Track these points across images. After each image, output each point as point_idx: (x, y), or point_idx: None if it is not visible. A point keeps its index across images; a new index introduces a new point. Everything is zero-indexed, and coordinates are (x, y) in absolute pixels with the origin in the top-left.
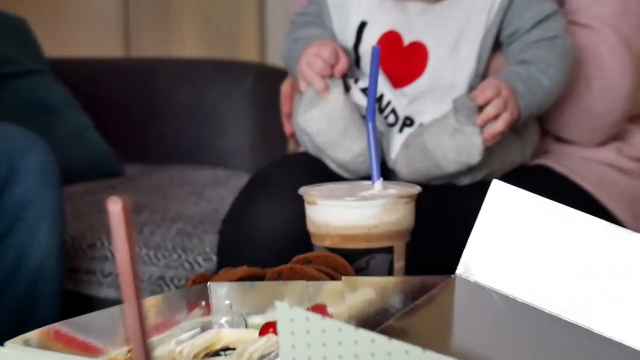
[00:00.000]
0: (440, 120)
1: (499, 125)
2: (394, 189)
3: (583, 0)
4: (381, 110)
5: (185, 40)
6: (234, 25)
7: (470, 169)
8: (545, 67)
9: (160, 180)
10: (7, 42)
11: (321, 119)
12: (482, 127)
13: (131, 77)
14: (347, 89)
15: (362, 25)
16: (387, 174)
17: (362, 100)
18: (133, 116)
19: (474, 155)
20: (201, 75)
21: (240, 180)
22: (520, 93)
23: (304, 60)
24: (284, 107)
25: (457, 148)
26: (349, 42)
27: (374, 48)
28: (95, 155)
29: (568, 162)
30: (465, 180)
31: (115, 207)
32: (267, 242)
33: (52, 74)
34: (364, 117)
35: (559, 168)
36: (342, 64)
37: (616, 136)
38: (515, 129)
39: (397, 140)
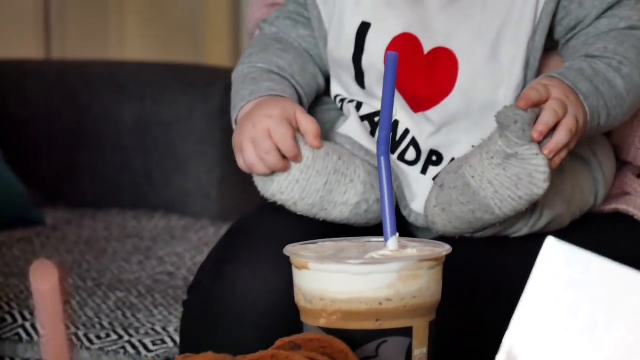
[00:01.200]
0: (483, 147)
1: (561, 136)
2: (413, 249)
3: None
4: (395, 144)
5: (128, 36)
6: (197, 19)
7: (530, 213)
8: (618, 64)
9: (93, 232)
10: None
11: (291, 188)
12: (540, 142)
13: (53, 86)
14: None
15: (364, 28)
16: (404, 229)
17: (362, 134)
18: (56, 141)
19: (539, 182)
20: (151, 85)
21: (204, 232)
22: (583, 92)
23: (246, 134)
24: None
25: (512, 180)
26: (346, 52)
27: (389, 55)
28: (3, 195)
29: None
30: (523, 230)
31: (44, 284)
32: (253, 319)
33: None
34: (353, 153)
35: None
36: (307, 128)
37: None
38: (581, 144)
39: (420, 186)
